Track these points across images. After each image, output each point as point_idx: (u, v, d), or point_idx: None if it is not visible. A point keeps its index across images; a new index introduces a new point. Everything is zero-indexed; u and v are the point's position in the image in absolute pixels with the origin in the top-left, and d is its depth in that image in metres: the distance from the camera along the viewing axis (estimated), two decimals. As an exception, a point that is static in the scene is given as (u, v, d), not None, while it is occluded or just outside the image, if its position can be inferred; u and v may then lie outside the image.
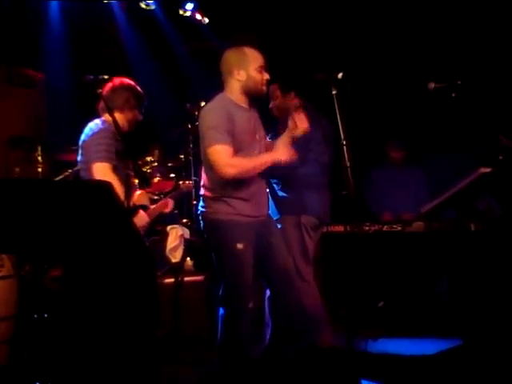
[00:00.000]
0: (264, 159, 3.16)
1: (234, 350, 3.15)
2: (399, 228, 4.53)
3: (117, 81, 3.41)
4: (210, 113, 3.14)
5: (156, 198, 4.47)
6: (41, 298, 3.35)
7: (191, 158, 5.33)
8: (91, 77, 2.91)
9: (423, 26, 4.94)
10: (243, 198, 3.17)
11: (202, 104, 3.97)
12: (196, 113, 4.01)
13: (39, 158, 4.82)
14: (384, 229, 4.52)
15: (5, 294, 3.78)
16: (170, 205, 3.78)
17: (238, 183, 3.13)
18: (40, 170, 4.82)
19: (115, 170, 3.18)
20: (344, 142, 2.87)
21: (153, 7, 5.25)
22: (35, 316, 2.18)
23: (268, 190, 3.78)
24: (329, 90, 2.92)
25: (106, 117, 3.28)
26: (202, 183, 3.32)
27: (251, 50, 3.20)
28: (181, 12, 5.38)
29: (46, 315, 2.23)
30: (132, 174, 3.38)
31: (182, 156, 5.40)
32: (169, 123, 5.16)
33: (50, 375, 2.59)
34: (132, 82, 3.47)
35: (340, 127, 2.92)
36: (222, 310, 3.23)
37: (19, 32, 5.06)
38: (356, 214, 2.85)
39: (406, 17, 4.89)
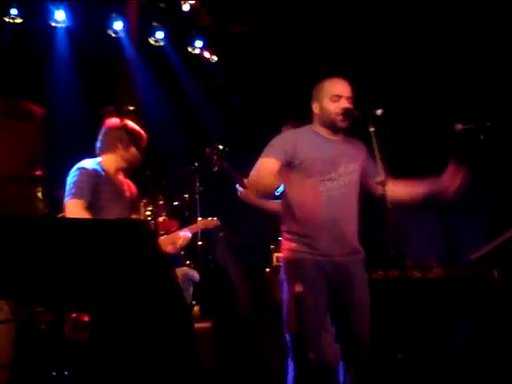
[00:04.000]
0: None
1: None
2: (419, 274, 4.32)
3: (108, 122, 3.33)
4: (278, 135, 3.12)
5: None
6: (60, 351, 3.08)
7: (197, 196, 5.15)
8: (111, 107, 2.74)
9: (454, 65, 4.87)
10: (304, 233, 2.96)
11: (220, 147, 3.80)
12: (215, 157, 3.83)
13: (39, 195, 4.58)
14: (402, 275, 4.30)
15: (1, 340, 3.48)
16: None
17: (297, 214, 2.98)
18: (40, 206, 4.58)
19: (91, 207, 3.05)
20: (384, 181, 2.69)
21: (162, 43, 5.14)
22: (54, 374, 1.88)
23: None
24: (365, 127, 2.75)
25: (101, 157, 3.29)
26: None
27: (332, 80, 3.04)
28: (190, 49, 5.28)
29: (66, 373, 1.93)
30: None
31: (187, 195, 5.20)
32: (177, 160, 4.97)
33: None
34: (123, 122, 3.27)
35: (379, 166, 2.73)
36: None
37: (20, 61, 4.87)
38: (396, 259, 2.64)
39: (439, 56, 4.82)
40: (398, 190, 3.00)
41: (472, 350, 4.30)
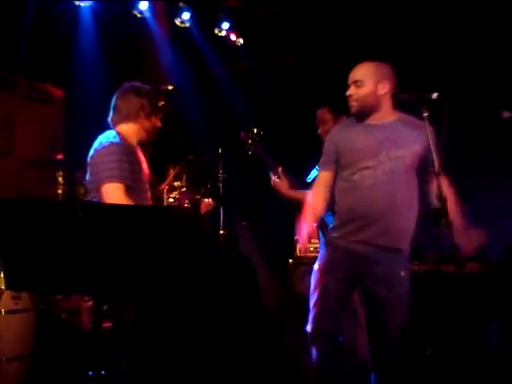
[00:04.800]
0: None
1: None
2: (452, 269, 4.15)
3: (127, 85, 2.92)
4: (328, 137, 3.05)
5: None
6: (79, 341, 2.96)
7: (220, 184, 5.01)
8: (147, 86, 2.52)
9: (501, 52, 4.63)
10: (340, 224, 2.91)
11: (255, 130, 3.63)
12: (249, 141, 3.65)
13: (60, 179, 4.46)
14: (435, 269, 4.16)
15: (20, 329, 3.39)
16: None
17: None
18: (60, 191, 4.46)
19: (129, 190, 2.68)
20: (437, 172, 2.50)
21: (187, 24, 4.97)
22: (90, 373, 1.75)
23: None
24: (417, 111, 2.55)
25: (119, 128, 2.85)
26: None
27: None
28: (216, 31, 5.11)
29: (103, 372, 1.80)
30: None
31: (209, 183, 5.06)
32: (201, 146, 4.82)
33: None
34: (145, 87, 2.92)
35: (433, 155, 2.53)
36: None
37: (44, 42, 4.73)
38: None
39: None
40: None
41: (501, 346, 4.15)
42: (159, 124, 2.93)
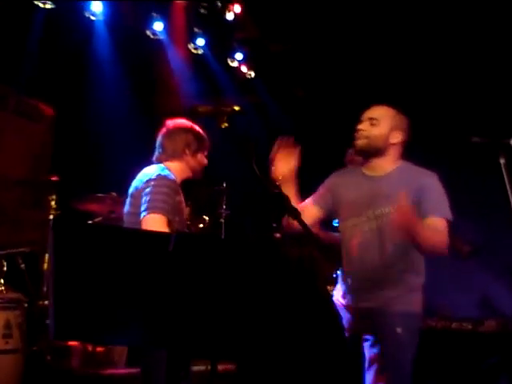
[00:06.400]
0: None
1: None
2: (470, 326, 3.97)
3: (171, 123, 2.86)
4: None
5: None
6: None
7: (223, 220, 4.70)
8: (207, 106, 2.22)
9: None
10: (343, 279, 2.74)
11: None
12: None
13: (53, 203, 4.06)
14: (453, 326, 3.97)
15: (7, 372, 2.95)
16: None
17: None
18: (51, 217, 4.05)
19: (170, 225, 2.57)
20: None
21: (200, 52, 4.75)
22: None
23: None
24: (492, 156, 2.37)
25: (167, 165, 2.77)
26: None
27: None
28: (229, 61, 4.91)
29: None
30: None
31: (207, 218, 4.75)
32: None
33: None
34: (189, 123, 2.88)
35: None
36: None
37: (49, 57, 4.41)
38: None
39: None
40: None
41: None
42: (205, 162, 2.87)
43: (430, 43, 4.64)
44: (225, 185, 4.73)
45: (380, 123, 2.62)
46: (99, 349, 3.66)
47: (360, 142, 2.63)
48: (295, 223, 2.47)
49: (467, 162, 4.35)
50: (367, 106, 2.72)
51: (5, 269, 2.91)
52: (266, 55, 5.09)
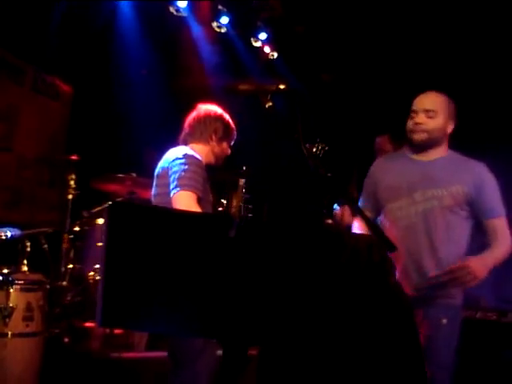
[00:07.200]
0: None
1: None
2: (494, 317, 3.89)
3: (202, 109, 2.89)
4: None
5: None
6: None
7: (242, 204, 4.61)
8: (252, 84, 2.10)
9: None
10: None
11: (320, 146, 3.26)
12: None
13: (72, 183, 3.96)
14: (477, 316, 3.88)
15: (26, 356, 2.87)
16: None
17: None
18: (70, 197, 3.96)
19: (200, 202, 2.57)
20: None
21: (223, 30, 4.62)
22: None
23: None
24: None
25: (191, 147, 2.80)
26: None
27: (419, 95, 2.66)
28: (252, 41, 4.78)
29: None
30: None
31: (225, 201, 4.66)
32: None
33: None
34: (220, 111, 2.89)
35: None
36: None
37: (73, 36, 4.30)
38: None
39: None
40: None
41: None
42: (228, 151, 2.93)
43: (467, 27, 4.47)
44: (244, 168, 4.65)
45: (437, 115, 2.56)
46: (118, 331, 3.59)
47: (418, 137, 2.57)
48: (346, 215, 2.43)
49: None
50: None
51: (28, 249, 2.82)
52: (290, 36, 4.94)
